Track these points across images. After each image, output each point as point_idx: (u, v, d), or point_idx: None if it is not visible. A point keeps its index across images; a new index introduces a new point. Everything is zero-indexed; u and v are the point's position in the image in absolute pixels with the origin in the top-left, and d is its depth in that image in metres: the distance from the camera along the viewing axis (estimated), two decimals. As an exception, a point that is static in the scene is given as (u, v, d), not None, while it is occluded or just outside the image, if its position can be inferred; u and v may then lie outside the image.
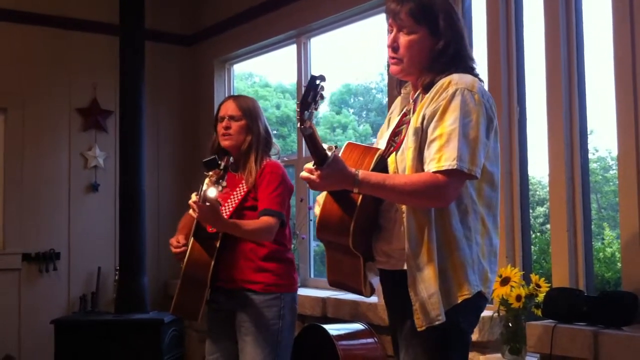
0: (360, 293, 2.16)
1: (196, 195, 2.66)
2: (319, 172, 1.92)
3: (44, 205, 4.99)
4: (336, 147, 1.95)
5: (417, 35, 2.04)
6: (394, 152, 2.05)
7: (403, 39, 2.06)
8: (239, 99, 3.07)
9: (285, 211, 2.91)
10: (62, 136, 5.10)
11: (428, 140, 1.95)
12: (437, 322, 1.93)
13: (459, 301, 1.96)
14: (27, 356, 4.84)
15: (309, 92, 1.82)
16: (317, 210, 2.06)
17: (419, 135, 1.97)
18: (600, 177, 5.31)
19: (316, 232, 2.08)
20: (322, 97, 1.85)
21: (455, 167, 1.88)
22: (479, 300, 2.01)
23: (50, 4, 5.08)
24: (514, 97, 3.24)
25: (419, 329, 1.95)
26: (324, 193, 2.04)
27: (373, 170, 2.01)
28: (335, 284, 2.22)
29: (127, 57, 4.80)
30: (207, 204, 2.60)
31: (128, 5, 4.81)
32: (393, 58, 2.09)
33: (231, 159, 2.74)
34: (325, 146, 1.93)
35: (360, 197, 1.98)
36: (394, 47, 2.08)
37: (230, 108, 3.00)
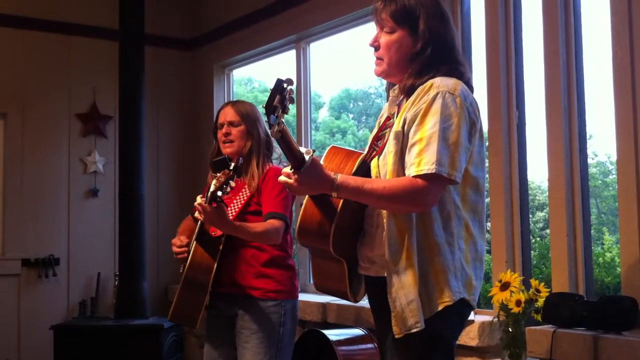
0: (346, 298, 2.14)
1: (201, 197, 2.65)
2: (296, 176, 1.90)
3: (43, 211, 4.99)
4: (314, 151, 1.92)
5: (396, 35, 2.04)
6: (377, 157, 2.03)
7: (383, 38, 2.07)
8: (237, 104, 3.06)
9: (289, 215, 2.91)
10: (62, 141, 5.10)
11: (409, 145, 1.93)
12: (414, 330, 1.90)
13: (440, 308, 1.93)
14: (26, 362, 4.84)
15: (275, 96, 1.78)
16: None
17: (399, 139, 1.96)
18: (600, 181, 5.31)
19: (297, 237, 2.05)
20: (291, 101, 1.81)
21: (434, 172, 1.85)
22: (463, 307, 1.98)
23: (51, 9, 5.09)
24: (513, 102, 3.24)
25: (396, 336, 1.93)
26: (306, 197, 2.02)
27: (354, 174, 2.00)
28: (321, 289, 2.21)
29: (126, 62, 4.80)
30: (214, 205, 2.60)
31: (128, 10, 4.82)
32: (376, 59, 2.10)
33: (241, 159, 2.74)
34: (303, 150, 1.90)
35: (342, 201, 1.96)
36: (375, 46, 2.09)
37: (229, 114, 3.00)
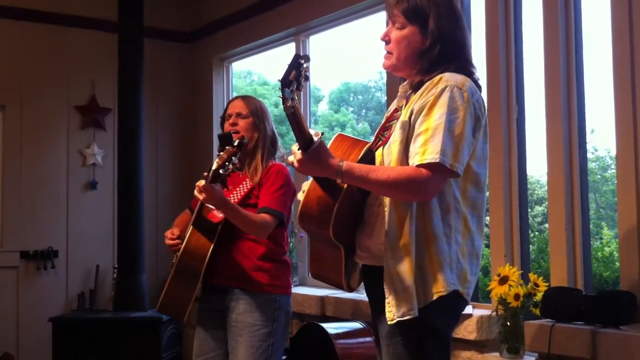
0: (340, 287, 2.15)
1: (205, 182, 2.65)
2: (301, 156, 1.92)
3: (42, 203, 4.99)
4: (322, 134, 1.94)
5: (406, 31, 2.07)
6: (382, 146, 2.06)
7: (394, 33, 2.10)
8: (247, 98, 3.10)
9: (287, 213, 2.90)
10: (61, 134, 5.09)
11: (414, 135, 1.95)
12: (407, 317, 1.92)
13: (435, 298, 1.95)
14: (25, 354, 4.83)
15: (291, 70, 1.79)
16: (300, 196, 2.04)
17: (406, 129, 1.98)
18: (599, 176, 5.31)
19: (298, 220, 2.05)
20: (306, 78, 1.82)
21: (437, 161, 1.87)
22: (457, 300, 2.00)
23: (49, 0, 5.07)
24: (512, 96, 3.24)
25: (389, 322, 1.95)
26: (310, 181, 2.03)
27: (359, 162, 2.01)
28: (316, 276, 2.22)
29: (125, 54, 4.79)
30: (215, 184, 2.60)
31: (127, 2, 4.80)
32: (386, 52, 2.13)
33: (245, 139, 2.73)
34: (312, 132, 1.92)
35: (345, 188, 1.97)
36: (385, 40, 2.13)
37: (238, 106, 3.02)
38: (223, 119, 3.07)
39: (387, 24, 2.14)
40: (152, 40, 5.20)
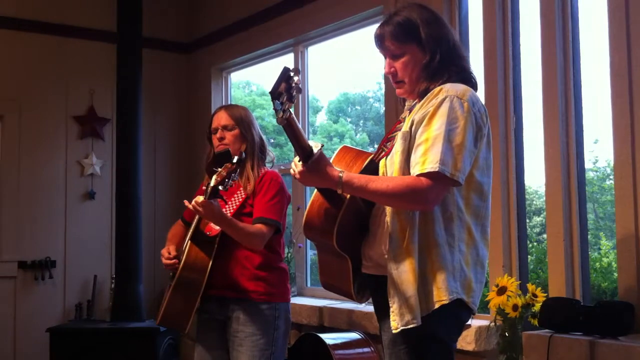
0: (350, 297, 2.16)
1: (203, 198, 2.66)
2: (302, 168, 1.95)
3: (40, 213, 4.98)
4: (322, 145, 1.97)
5: (408, 55, 2.08)
6: (385, 157, 2.08)
7: (397, 63, 2.11)
8: (230, 108, 3.07)
9: (282, 220, 2.90)
10: (59, 144, 5.10)
11: (415, 145, 1.97)
12: (411, 325, 1.93)
13: (436, 306, 1.95)
14: (22, 364, 4.83)
15: (280, 83, 1.80)
16: None
17: (407, 139, 2.00)
18: (598, 186, 5.30)
19: (303, 230, 2.08)
20: (298, 90, 1.83)
21: (437, 170, 1.89)
22: (460, 309, 2.00)
23: (48, 11, 5.09)
24: (510, 106, 3.24)
25: (393, 331, 1.96)
26: (314, 192, 2.06)
27: (362, 172, 2.03)
28: (326, 286, 2.24)
29: (124, 64, 4.80)
30: (214, 200, 2.60)
31: (125, 12, 4.82)
32: (395, 82, 2.14)
33: (243, 153, 2.74)
34: (312, 143, 1.95)
35: (348, 197, 2.00)
36: (391, 73, 2.13)
37: (222, 118, 3.00)
38: (209, 131, 3.06)
39: (385, 58, 2.14)
40: (150, 50, 5.22)
